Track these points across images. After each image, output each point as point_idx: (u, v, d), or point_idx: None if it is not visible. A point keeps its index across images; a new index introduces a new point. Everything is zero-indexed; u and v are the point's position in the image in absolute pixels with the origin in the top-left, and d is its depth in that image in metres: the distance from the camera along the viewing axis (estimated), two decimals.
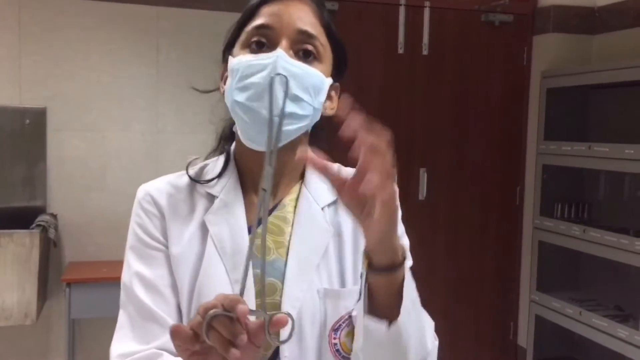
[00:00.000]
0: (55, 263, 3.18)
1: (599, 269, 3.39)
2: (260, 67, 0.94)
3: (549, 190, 3.56)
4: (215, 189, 1.04)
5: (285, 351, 0.96)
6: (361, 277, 1.01)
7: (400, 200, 0.89)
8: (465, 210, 3.76)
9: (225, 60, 1.04)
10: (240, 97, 0.95)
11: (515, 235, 3.85)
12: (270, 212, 1.02)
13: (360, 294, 1.00)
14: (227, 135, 1.10)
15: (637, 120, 3.18)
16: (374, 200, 0.76)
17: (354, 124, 0.74)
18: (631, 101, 3.28)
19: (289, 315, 0.75)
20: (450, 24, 3.65)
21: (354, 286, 1.00)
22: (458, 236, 3.75)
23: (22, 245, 2.76)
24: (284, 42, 0.96)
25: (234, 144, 1.08)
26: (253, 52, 0.97)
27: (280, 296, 0.97)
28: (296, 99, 0.94)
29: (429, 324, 0.96)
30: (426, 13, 3.60)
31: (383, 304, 0.85)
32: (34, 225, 2.88)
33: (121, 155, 3.28)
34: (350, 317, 0.99)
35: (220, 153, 1.09)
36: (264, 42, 0.97)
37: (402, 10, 3.56)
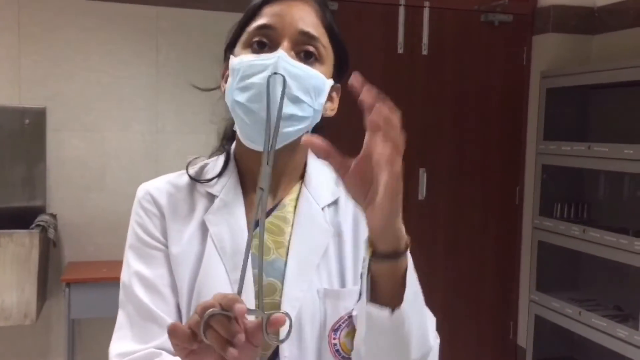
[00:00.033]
0: (55, 263, 3.18)
1: (599, 269, 3.39)
2: (261, 68, 0.94)
3: (548, 190, 3.56)
4: (216, 188, 1.04)
5: (285, 351, 0.95)
6: (361, 277, 1.00)
7: None
8: (465, 210, 3.76)
9: (226, 59, 1.03)
10: (241, 97, 0.95)
11: (514, 235, 3.85)
12: (270, 212, 1.02)
13: (360, 294, 1.00)
14: (229, 135, 1.09)
15: (636, 120, 3.18)
16: (378, 183, 0.74)
17: (372, 93, 0.74)
18: (631, 101, 3.28)
19: (287, 315, 0.75)
20: (449, 24, 3.66)
21: (354, 286, 1.00)
22: (458, 236, 3.75)
23: (22, 245, 2.76)
24: (285, 43, 0.95)
25: (234, 144, 1.08)
26: (255, 52, 0.97)
27: (280, 296, 0.97)
28: (297, 101, 0.94)
29: (431, 319, 0.95)
30: (426, 13, 3.61)
31: (386, 293, 0.83)
32: (33, 225, 2.88)
33: (121, 155, 3.28)
34: (350, 317, 0.99)
35: (221, 152, 1.09)
36: (265, 43, 0.97)
37: (401, 11, 3.57)
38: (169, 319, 0.97)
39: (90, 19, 3.19)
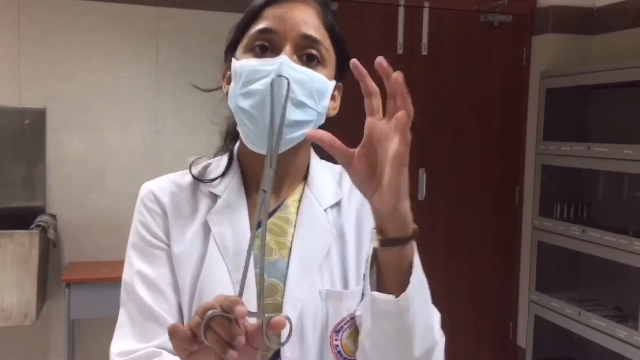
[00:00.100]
0: (55, 263, 3.18)
1: (598, 269, 3.39)
2: (264, 73, 0.93)
3: (548, 190, 3.56)
4: (219, 188, 1.03)
5: (287, 352, 0.95)
6: (364, 278, 1.01)
7: None
8: (464, 210, 3.76)
9: (227, 60, 1.03)
10: (244, 103, 0.95)
11: (514, 236, 3.85)
12: (273, 212, 1.02)
13: (363, 294, 0.99)
14: (232, 134, 1.09)
15: (636, 120, 3.18)
16: (385, 158, 0.76)
17: (386, 64, 0.76)
18: (630, 101, 3.28)
19: (288, 318, 0.75)
20: (449, 25, 3.66)
21: (357, 287, 1.00)
22: (457, 236, 3.76)
23: (22, 245, 2.76)
24: (287, 48, 0.95)
25: (237, 144, 1.08)
26: (256, 55, 0.97)
27: (282, 297, 0.97)
28: (300, 105, 0.94)
29: (436, 314, 0.94)
30: (425, 13, 3.61)
31: (392, 282, 0.83)
32: (33, 225, 2.88)
33: (120, 155, 3.28)
34: (352, 318, 0.99)
35: (224, 153, 1.09)
36: (267, 46, 0.97)
37: (401, 11, 3.57)
38: (171, 318, 0.97)
39: (90, 19, 3.19)
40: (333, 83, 1.01)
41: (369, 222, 1.00)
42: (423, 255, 0.87)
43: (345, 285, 1.00)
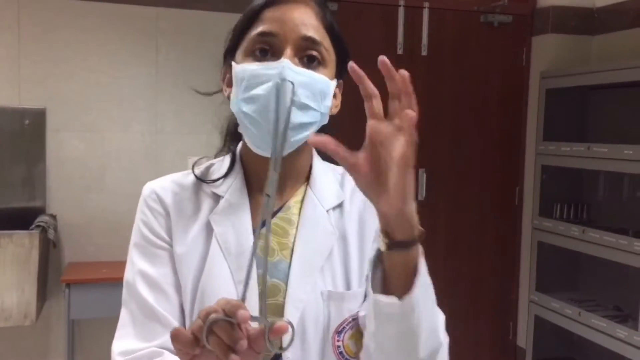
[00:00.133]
0: (55, 264, 3.18)
1: (598, 270, 3.39)
2: (266, 78, 0.93)
3: (548, 190, 3.56)
4: (221, 189, 1.04)
5: (288, 353, 0.95)
6: (367, 278, 1.01)
7: None
8: (464, 210, 3.76)
9: (226, 63, 1.03)
10: (247, 108, 0.95)
11: (514, 236, 3.85)
12: (275, 213, 1.02)
13: (365, 295, 0.99)
14: (233, 135, 1.09)
15: (636, 120, 3.18)
16: (389, 167, 0.75)
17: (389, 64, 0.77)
18: (630, 102, 3.28)
19: (290, 323, 0.76)
20: (449, 25, 3.66)
21: (359, 289, 1.00)
22: (457, 236, 3.76)
23: (22, 245, 2.76)
24: (288, 50, 0.95)
25: (240, 145, 1.08)
26: (257, 59, 0.96)
27: (284, 297, 0.97)
28: (304, 107, 0.94)
29: (441, 315, 0.94)
30: (425, 14, 3.61)
31: (397, 284, 0.83)
32: (33, 225, 2.88)
33: (120, 155, 3.28)
34: (354, 319, 0.99)
35: (226, 153, 1.09)
36: (267, 49, 0.96)
37: (401, 11, 3.57)
38: (172, 318, 0.97)
39: (90, 20, 3.20)
40: (335, 82, 1.01)
41: (372, 224, 1.00)
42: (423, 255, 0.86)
43: (348, 286, 1.00)
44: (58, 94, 3.17)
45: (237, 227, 1.00)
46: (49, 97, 3.15)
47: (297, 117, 0.93)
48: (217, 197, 1.03)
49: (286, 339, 0.77)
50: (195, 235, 1.01)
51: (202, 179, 1.05)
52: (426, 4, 3.60)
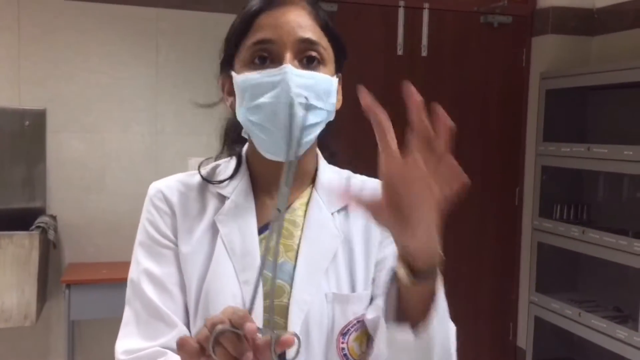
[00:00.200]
0: (55, 264, 3.18)
1: (598, 270, 3.39)
2: (270, 86, 0.94)
3: (548, 191, 3.56)
4: (227, 189, 1.04)
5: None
6: (373, 282, 1.01)
7: None
8: (464, 210, 3.75)
9: (224, 73, 1.03)
10: (254, 117, 0.96)
11: (514, 236, 3.85)
12: None
13: (371, 298, 1.00)
14: (234, 138, 1.09)
15: (636, 121, 3.18)
16: (414, 207, 0.70)
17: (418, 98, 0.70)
18: (630, 102, 3.28)
19: (296, 335, 0.76)
20: (449, 26, 3.66)
21: (364, 291, 1.00)
22: (457, 237, 3.75)
23: (22, 246, 2.76)
24: (288, 55, 0.95)
25: (246, 146, 1.08)
26: (257, 67, 0.96)
27: (288, 299, 0.97)
28: (312, 108, 0.95)
29: (452, 329, 0.92)
30: (425, 14, 3.61)
31: (413, 312, 0.81)
32: (33, 226, 2.88)
33: (121, 156, 3.28)
34: (358, 322, 0.99)
35: (230, 155, 1.09)
36: (266, 57, 0.96)
37: (401, 12, 3.57)
38: (176, 317, 0.97)
39: (90, 21, 3.20)
40: (336, 79, 1.01)
41: (378, 227, 1.00)
42: None
43: (353, 288, 1.00)
44: (58, 95, 3.17)
45: (242, 228, 1.00)
46: (49, 98, 3.15)
47: (306, 119, 0.94)
48: (222, 198, 1.03)
49: (292, 351, 0.77)
50: (200, 235, 1.01)
51: (208, 180, 1.05)
52: (426, 5, 3.60)
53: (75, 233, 3.21)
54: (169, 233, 1.01)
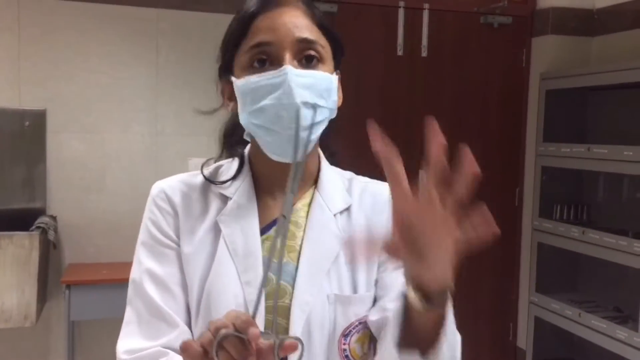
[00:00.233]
0: (55, 265, 3.18)
1: (598, 271, 3.39)
2: (271, 88, 0.94)
3: (548, 191, 3.56)
4: (229, 190, 1.04)
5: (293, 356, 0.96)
6: (376, 283, 1.01)
7: None
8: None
9: (223, 77, 1.03)
10: (258, 120, 0.96)
11: (514, 237, 3.85)
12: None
13: (374, 300, 1.00)
14: (235, 140, 1.09)
15: (636, 122, 3.18)
16: (430, 246, 0.69)
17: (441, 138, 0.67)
18: (630, 103, 3.28)
19: (299, 340, 0.76)
20: (449, 26, 3.66)
21: (367, 293, 1.01)
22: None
23: (22, 247, 2.76)
24: (287, 56, 0.95)
25: (248, 147, 1.08)
26: (256, 70, 0.97)
27: (290, 300, 0.97)
28: (314, 107, 0.95)
29: (459, 341, 0.93)
30: (425, 15, 3.61)
31: (421, 333, 0.81)
32: (33, 227, 2.88)
33: (121, 156, 3.28)
34: (360, 323, 1.00)
35: (231, 155, 1.10)
36: (265, 59, 0.97)
37: (401, 12, 3.57)
38: (178, 317, 0.97)
39: (90, 21, 3.20)
40: (335, 77, 1.02)
41: (380, 229, 1.01)
42: None
43: (355, 290, 1.01)
44: (58, 95, 3.17)
45: (244, 229, 1.00)
46: (49, 98, 3.15)
47: (309, 118, 0.94)
48: (225, 199, 1.04)
49: (294, 356, 0.78)
50: (202, 235, 1.01)
51: (210, 180, 1.06)
52: (426, 5, 3.60)
53: (76, 233, 3.21)
54: (172, 233, 1.01)
